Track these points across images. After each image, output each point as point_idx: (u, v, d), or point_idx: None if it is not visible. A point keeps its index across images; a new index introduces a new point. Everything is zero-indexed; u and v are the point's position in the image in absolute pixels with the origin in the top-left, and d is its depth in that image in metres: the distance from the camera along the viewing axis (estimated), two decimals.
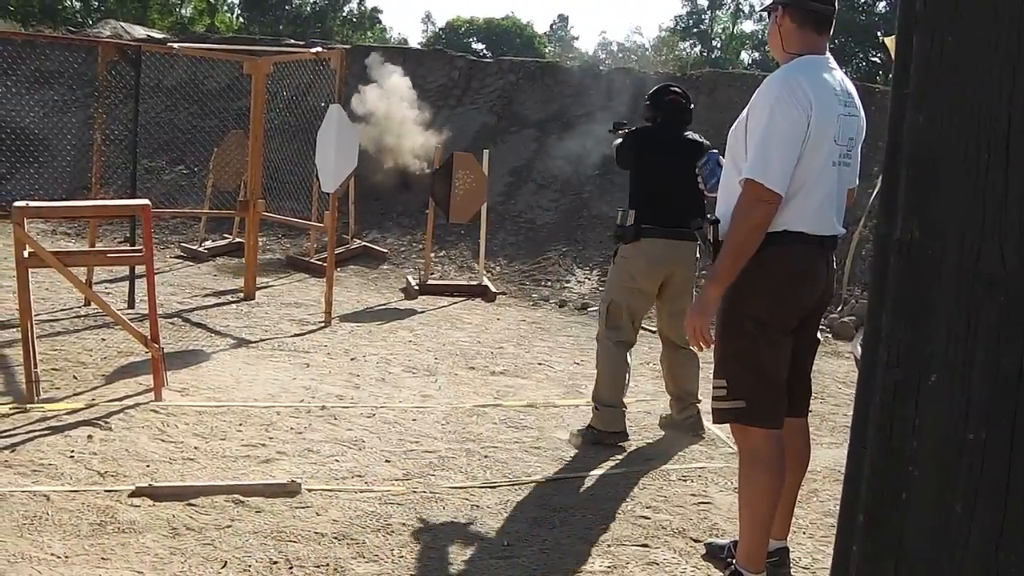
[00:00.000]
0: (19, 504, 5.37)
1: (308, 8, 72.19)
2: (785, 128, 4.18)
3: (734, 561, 4.63)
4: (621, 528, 5.37)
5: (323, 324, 10.42)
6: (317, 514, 5.44)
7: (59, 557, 4.79)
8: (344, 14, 75.50)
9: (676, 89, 7.37)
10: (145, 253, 7.47)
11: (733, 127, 4.53)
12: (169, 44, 13.04)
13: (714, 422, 4.68)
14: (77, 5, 62.49)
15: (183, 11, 66.85)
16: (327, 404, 7.56)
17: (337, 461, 6.33)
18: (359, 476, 6.08)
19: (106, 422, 6.82)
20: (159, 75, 13.58)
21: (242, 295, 11.79)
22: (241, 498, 5.56)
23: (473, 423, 7.33)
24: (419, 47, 27.92)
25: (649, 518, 5.53)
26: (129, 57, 11.00)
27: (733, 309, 4.38)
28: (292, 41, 23.43)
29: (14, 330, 9.29)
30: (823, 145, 4.28)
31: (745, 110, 4.45)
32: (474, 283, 12.97)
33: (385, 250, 14.48)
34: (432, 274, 13.16)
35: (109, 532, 5.07)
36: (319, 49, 11.62)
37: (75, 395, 7.49)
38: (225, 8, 70.03)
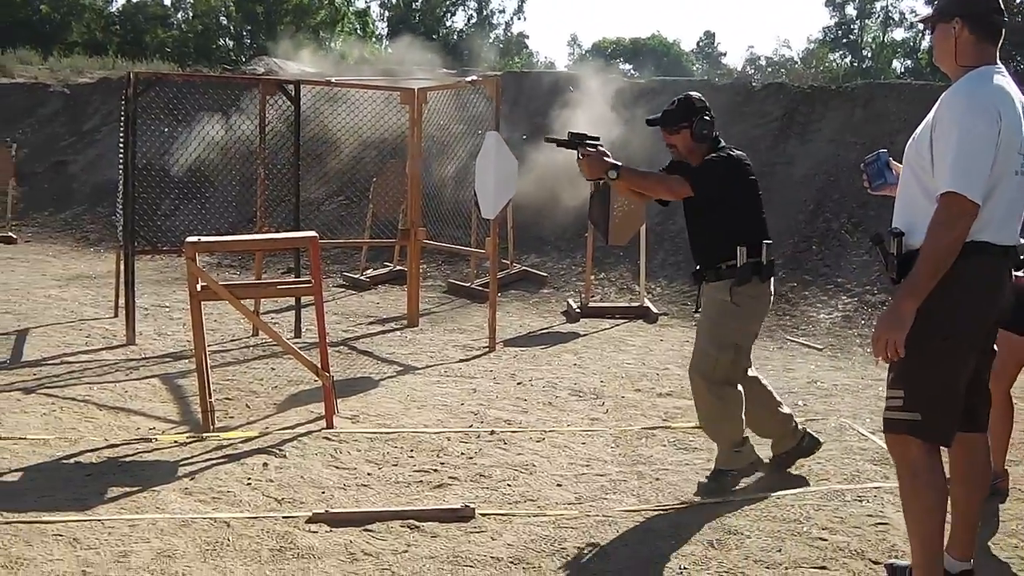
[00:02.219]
0: (201, 530, 5.48)
1: (455, 37, 72.89)
2: (978, 139, 4.08)
3: None
4: (798, 550, 5.25)
5: (487, 349, 10.46)
6: (492, 538, 5.44)
7: None
8: (491, 40, 76.11)
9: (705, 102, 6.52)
10: (314, 284, 7.59)
11: (914, 140, 4.41)
12: (327, 79, 13.25)
13: (885, 431, 4.48)
14: (231, 44, 64.06)
15: (333, 45, 68.04)
16: (496, 429, 7.57)
17: (509, 485, 6.33)
18: (532, 500, 6.07)
19: (280, 450, 6.93)
20: (317, 109, 13.79)
21: (405, 322, 11.91)
22: (416, 523, 5.59)
23: (643, 445, 7.26)
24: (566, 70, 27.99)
25: (826, 539, 5.39)
26: (288, 92, 11.22)
27: (922, 321, 4.21)
28: (444, 70, 23.69)
29: (187, 361, 9.54)
30: (1010, 156, 4.18)
31: (926, 123, 4.34)
32: (635, 304, 12.90)
33: (545, 274, 14.49)
34: (593, 296, 13.13)
35: (288, 558, 5.14)
36: (475, 78, 11.72)
37: (249, 423, 7.64)
38: (374, 40, 71.15)
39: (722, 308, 6.24)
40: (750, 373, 6.56)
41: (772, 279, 6.37)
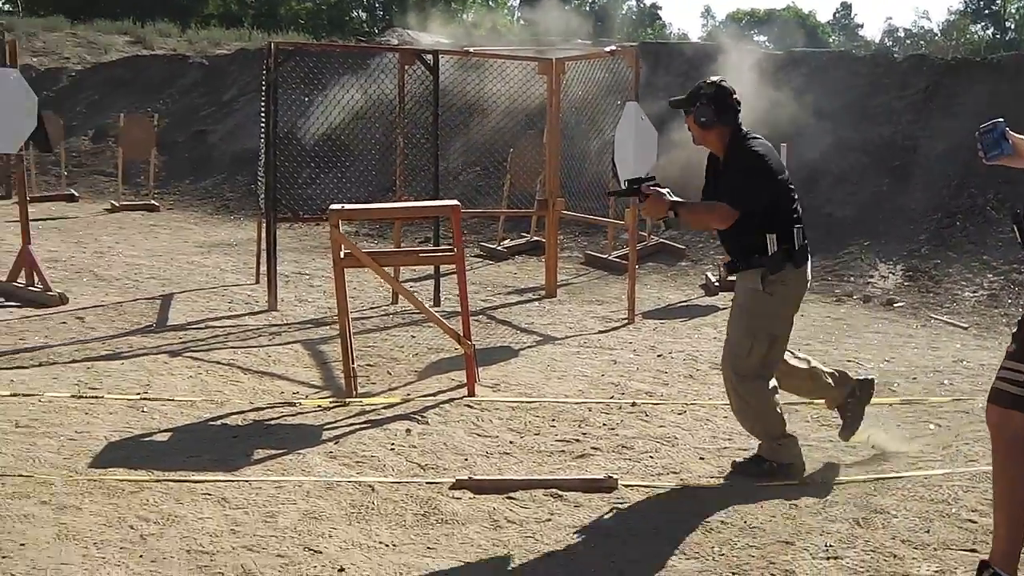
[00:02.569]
0: (346, 493, 5.55)
1: (588, 7, 72.53)
2: None
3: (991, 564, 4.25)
4: (947, 531, 5.10)
5: (626, 321, 10.39)
6: (635, 510, 5.41)
7: (387, 545, 4.91)
8: (624, 12, 75.64)
9: (728, 86, 6.13)
10: (456, 253, 7.60)
11: None
12: (465, 48, 13.24)
13: (991, 401, 4.18)
14: (363, 16, 64.56)
15: (464, 17, 68.20)
16: (637, 400, 7.53)
17: (651, 457, 6.29)
18: (674, 473, 6.02)
19: (423, 416, 6.97)
20: (454, 79, 13.82)
21: (543, 293, 11.90)
22: (559, 492, 5.59)
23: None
24: (700, 41, 27.66)
25: (976, 522, 5.22)
26: (427, 63, 11.25)
27: None
28: (579, 40, 23.56)
29: (328, 328, 9.65)
30: None
31: None
32: None
33: (683, 247, 14.37)
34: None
35: (432, 523, 5.16)
36: (614, 48, 11.60)
37: (390, 390, 7.70)
38: (505, 12, 71.17)
39: (755, 297, 5.96)
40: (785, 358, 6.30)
41: (808, 263, 6.06)
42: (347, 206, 7.72)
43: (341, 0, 65.79)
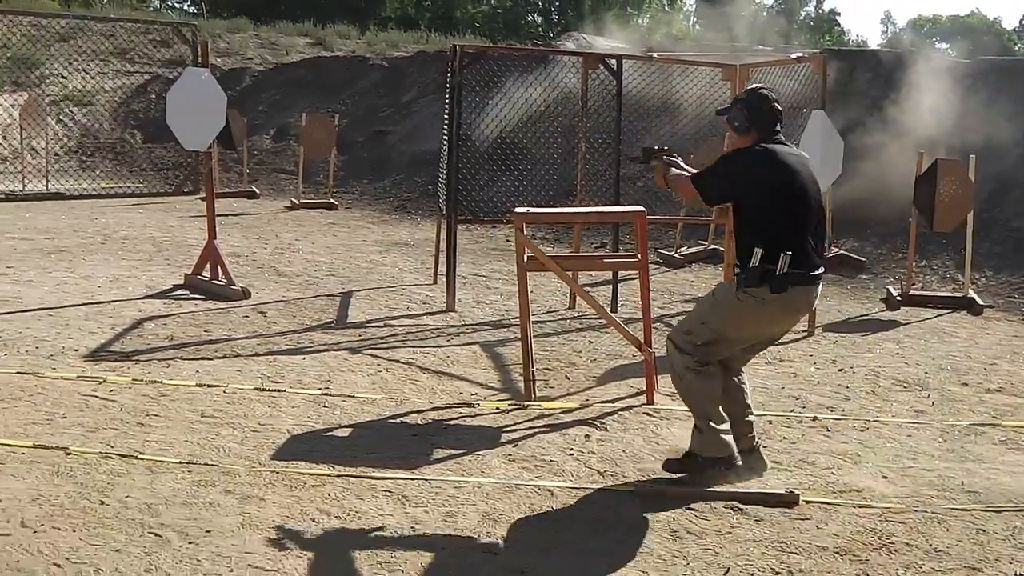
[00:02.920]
0: (525, 497, 5.56)
1: (764, 14, 71.66)
2: None
3: None
4: None
5: (806, 333, 10.20)
6: (817, 527, 5.31)
7: (566, 550, 4.90)
8: (802, 16, 74.56)
9: (772, 95, 6.01)
10: (641, 259, 7.55)
11: None
12: (648, 53, 13.19)
13: None
14: (539, 20, 64.86)
15: (640, 21, 68.02)
16: (818, 415, 7.38)
17: (833, 474, 6.16)
18: (856, 491, 5.90)
19: (601, 422, 6.95)
20: (634, 84, 13.75)
21: None
22: (740, 505, 5.53)
23: (971, 442, 6.95)
24: (878, 48, 27.13)
25: None
26: (610, 67, 11.22)
27: None
28: (760, 47, 23.25)
29: (505, 330, 9.68)
30: None
31: None
32: (959, 295, 12.37)
33: (863, 259, 14.06)
34: (914, 285, 12.65)
35: (611, 530, 5.13)
36: (800, 54, 11.44)
37: (569, 394, 7.69)
38: (681, 16, 70.81)
39: (726, 292, 5.95)
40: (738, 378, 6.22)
41: (803, 292, 5.79)
42: (531, 209, 7.72)
43: (517, 4, 66.24)
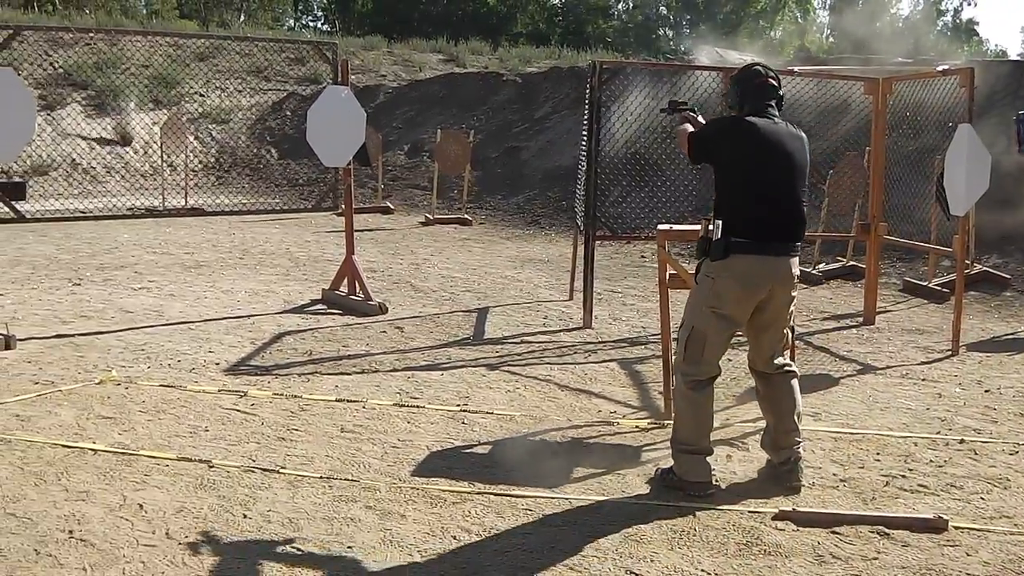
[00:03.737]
0: (668, 517, 5.47)
1: (900, 24, 70.48)
2: None
3: None
4: None
5: (950, 352, 9.94)
6: (967, 554, 5.15)
7: (709, 573, 4.84)
8: (939, 27, 73.12)
9: (765, 70, 6.05)
10: None
11: None
12: (789, 68, 13.02)
13: None
14: (670, 34, 64.68)
15: (772, 34, 67.43)
16: (965, 437, 7.17)
17: (982, 499, 5.97)
18: (1007, 517, 5.70)
19: (743, 443, 6.84)
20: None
21: (861, 320, 11.53)
22: (886, 530, 5.38)
23: None
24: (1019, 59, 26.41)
25: None
26: None
27: None
28: (901, 59, 22.84)
29: (643, 347, 9.62)
30: None
31: None
32: None
33: (1008, 276, 13.70)
34: None
35: (755, 553, 5.05)
36: (945, 67, 11.20)
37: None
38: (815, 29, 69.99)
39: (698, 283, 6.01)
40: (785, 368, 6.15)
41: (731, 261, 5.77)
42: (674, 226, 7.64)
43: (648, 18, 66.14)
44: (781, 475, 6.04)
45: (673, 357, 6.23)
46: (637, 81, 13.46)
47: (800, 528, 5.38)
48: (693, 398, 5.94)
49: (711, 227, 5.88)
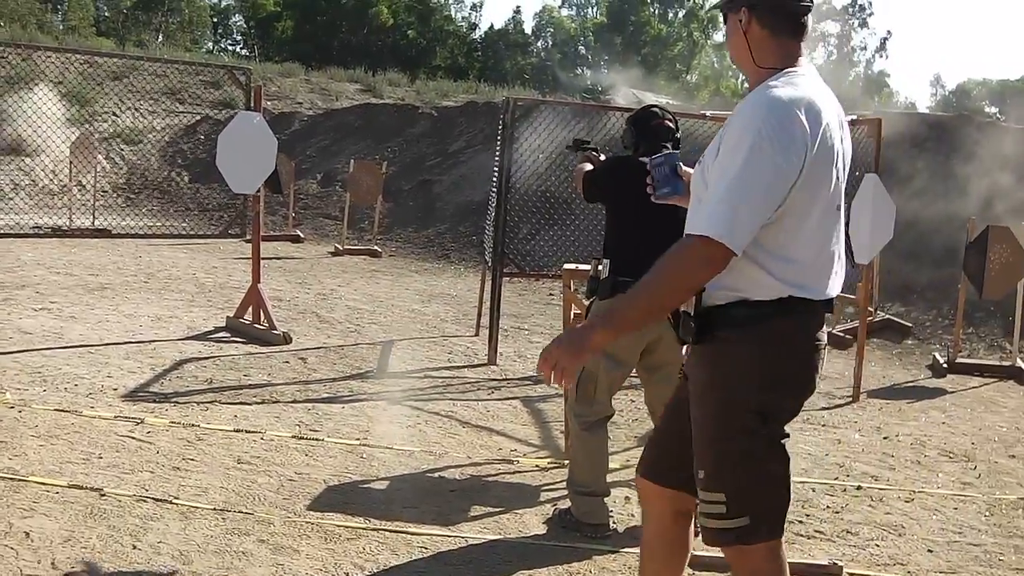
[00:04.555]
0: (564, 559, 5.43)
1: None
2: (770, 182, 3.23)
3: None
4: None
5: (851, 399, 10.05)
6: None
7: None
8: (851, 77, 74.41)
9: (662, 112, 6.15)
10: None
11: (699, 163, 3.54)
12: (702, 112, 13.15)
13: (706, 543, 3.63)
14: (588, 73, 65.22)
15: (689, 78, 68.28)
16: (863, 484, 7.24)
17: (877, 546, 6.04)
18: (901, 564, 5.76)
19: None
20: (685, 141, 13.70)
21: None
22: None
23: (1019, 517, 6.80)
24: (927, 112, 26.98)
25: None
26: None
27: (729, 399, 3.44)
28: None
29: (547, 386, 9.56)
30: (824, 186, 3.37)
31: (715, 141, 3.46)
32: (1007, 363, 12.19)
33: (909, 324, 13.91)
34: (960, 352, 12.48)
35: None
36: (853, 117, 11.33)
37: (610, 454, 7.54)
38: (730, 74, 70.90)
39: None
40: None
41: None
42: (580, 266, 7.65)
43: (566, 57, 66.66)
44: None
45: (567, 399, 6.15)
46: (551, 119, 13.53)
47: (696, 573, 5.37)
48: (586, 439, 5.94)
49: (600, 267, 5.91)
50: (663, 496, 3.85)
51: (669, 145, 6.01)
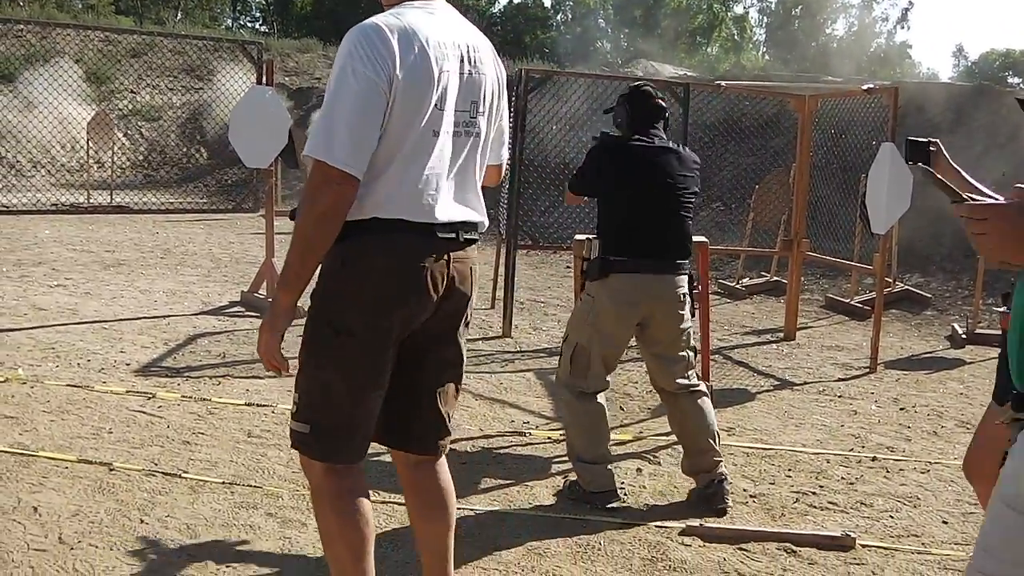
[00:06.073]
0: (572, 531, 5.40)
1: (835, 45, 71.01)
2: (359, 92, 3.28)
3: None
4: None
5: (868, 370, 9.97)
6: (872, 572, 5.12)
7: None
8: (872, 49, 73.79)
9: (653, 90, 6.11)
10: (702, 290, 7.34)
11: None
12: (716, 82, 13.05)
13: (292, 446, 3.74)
14: (607, 47, 64.90)
15: (709, 50, 67.87)
16: (878, 455, 7.17)
17: (891, 517, 5.96)
18: (915, 536, 5.69)
19: (655, 456, 6.79)
20: (700, 113, 13.61)
21: (782, 335, 11.54)
22: (793, 547, 5.33)
23: None
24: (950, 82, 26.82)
25: None
26: (677, 94, 11.07)
27: (312, 310, 3.56)
28: (830, 77, 23.05)
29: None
30: (420, 110, 3.39)
31: None
32: None
33: (928, 295, 13.81)
34: (979, 323, 12.37)
35: (660, 569, 4.99)
36: (871, 85, 11.23)
37: (622, 426, 7.53)
38: (751, 47, 70.46)
39: (583, 300, 6.01)
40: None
41: (611, 280, 5.77)
42: (591, 236, 7.56)
43: (586, 31, 66.34)
44: (707, 498, 5.90)
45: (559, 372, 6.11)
46: (567, 91, 13.44)
47: (707, 544, 5.32)
48: (579, 408, 5.89)
49: (592, 248, 5.91)
50: (396, 457, 4.06)
51: (660, 125, 5.99)
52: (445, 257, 3.57)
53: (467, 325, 3.92)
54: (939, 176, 2.68)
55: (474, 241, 3.72)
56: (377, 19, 3.40)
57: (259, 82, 11.46)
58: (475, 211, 3.68)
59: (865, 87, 11.07)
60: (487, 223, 3.77)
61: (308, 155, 3.29)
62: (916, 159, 4.36)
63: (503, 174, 4.05)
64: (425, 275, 3.51)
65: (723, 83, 12.63)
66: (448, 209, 3.54)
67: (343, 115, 3.27)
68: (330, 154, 3.25)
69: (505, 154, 4.01)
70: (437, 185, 3.50)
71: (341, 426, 3.57)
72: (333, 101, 3.30)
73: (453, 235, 3.58)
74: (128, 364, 8.51)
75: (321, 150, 3.27)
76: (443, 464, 3.99)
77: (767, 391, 8.98)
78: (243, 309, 11.08)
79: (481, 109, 3.62)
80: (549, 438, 7.10)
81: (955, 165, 4.07)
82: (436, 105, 3.42)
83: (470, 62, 3.56)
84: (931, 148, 4.30)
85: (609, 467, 5.92)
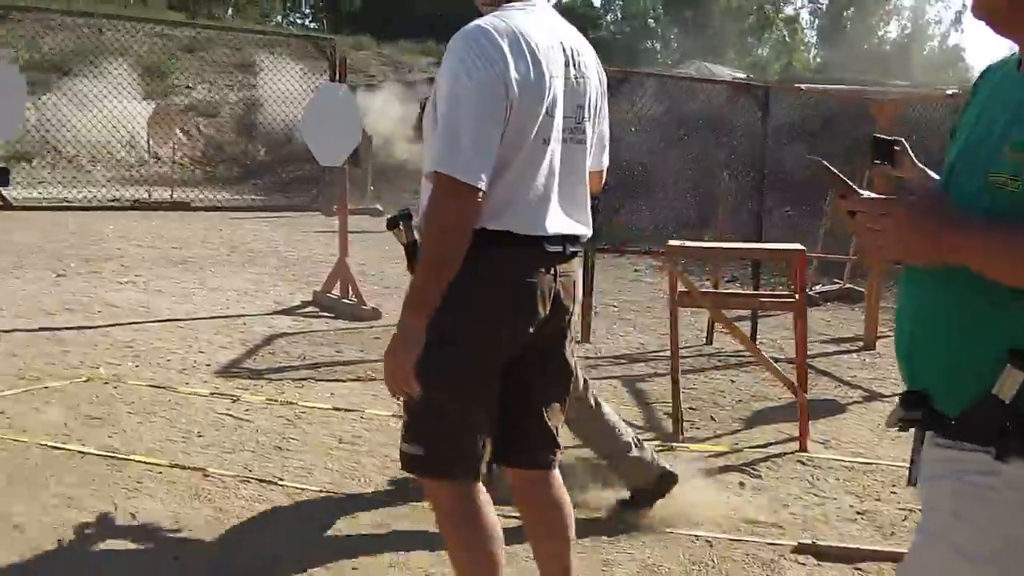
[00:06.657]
0: (684, 547, 5.25)
1: (888, 47, 70.34)
2: (478, 97, 3.17)
3: None
4: None
5: None
6: None
7: None
8: (926, 51, 73.02)
9: None
10: (798, 300, 7.17)
11: (425, 110, 3.43)
12: (796, 85, 12.88)
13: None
14: (658, 47, 64.66)
15: (761, 51, 67.46)
16: None
17: None
18: None
19: (755, 469, 6.60)
20: (775, 115, 13.42)
21: (861, 344, 11.30)
22: None
23: None
24: None
25: None
26: (757, 97, 10.92)
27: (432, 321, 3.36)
28: (898, 81, 22.78)
29: (643, 364, 9.40)
30: (533, 118, 3.26)
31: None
32: None
33: None
34: None
35: None
36: (955, 90, 11.03)
37: (716, 437, 7.35)
38: (802, 48, 69.89)
39: None
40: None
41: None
42: (686, 243, 7.43)
43: (636, 31, 66.13)
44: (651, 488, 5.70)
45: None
46: (642, 91, 13.30)
47: (821, 563, 5.16)
48: (589, 415, 5.72)
49: None
50: (508, 473, 3.90)
51: None
52: (552, 271, 3.45)
53: (572, 340, 3.78)
54: (832, 169, 2.52)
55: (578, 254, 3.59)
56: (483, 22, 3.29)
57: (332, 79, 11.36)
58: (581, 223, 3.56)
59: (949, 92, 10.87)
60: (591, 234, 3.65)
61: (432, 169, 3.19)
62: (881, 157, 4.27)
63: (603, 180, 3.91)
64: (534, 290, 3.41)
65: (803, 86, 12.45)
66: (557, 221, 3.43)
67: (463, 123, 3.16)
68: (452, 166, 3.14)
69: (606, 160, 3.87)
70: (547, 196, 3.40)
71: (452, 438, 3.46)
72: (450, 110, 3.18)
73: (560, 248, 3.46)
74: (208, 364, 8.44)
75: (444, 163, 3.15)
76: (557, 478, 3.84)
77: (856, 402, 8.73)
78: (317, 309, 10.99)
79: (587, 114, 3.52)
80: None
81: (920, 164, 3.91)
82: (547, 112, 3.32)
83: (575, 66, 3.45)
84: (896, 147, 4.19)
85: (642, 452, 5.70)
